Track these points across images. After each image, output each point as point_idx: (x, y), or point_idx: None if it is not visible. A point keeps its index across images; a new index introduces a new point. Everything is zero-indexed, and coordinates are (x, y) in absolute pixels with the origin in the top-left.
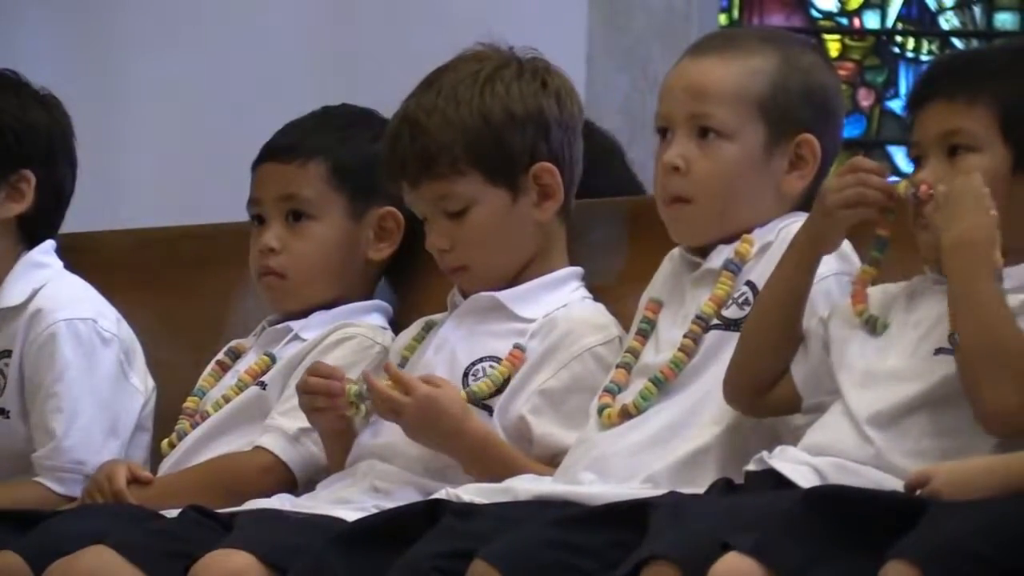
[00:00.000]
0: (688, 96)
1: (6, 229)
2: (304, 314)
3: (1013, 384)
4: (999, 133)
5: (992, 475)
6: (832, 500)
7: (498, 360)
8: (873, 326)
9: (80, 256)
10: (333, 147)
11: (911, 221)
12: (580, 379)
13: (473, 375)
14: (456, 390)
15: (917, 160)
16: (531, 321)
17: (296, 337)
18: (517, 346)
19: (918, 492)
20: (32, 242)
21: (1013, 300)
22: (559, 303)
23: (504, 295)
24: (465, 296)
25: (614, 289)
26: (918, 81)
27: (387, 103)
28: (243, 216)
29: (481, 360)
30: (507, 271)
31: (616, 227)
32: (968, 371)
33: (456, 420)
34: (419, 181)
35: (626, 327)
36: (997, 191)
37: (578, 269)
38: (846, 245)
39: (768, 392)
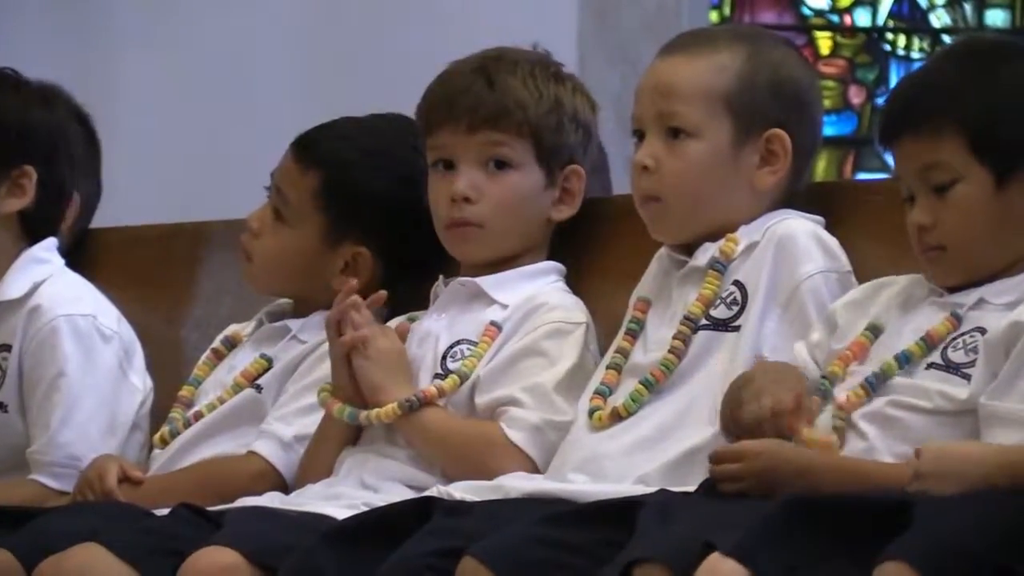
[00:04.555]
0: (656, 95)
1: (7, 225)
2: (302, 312)
3: None
4: (972, 157)
5: (981, 466)
6: (811, 507)
7: (473, 342)
8: (876, 333)
9: (74, 253)
10: (338, 167)
11: (917, 254)
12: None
13: (451, 357)
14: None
15: (910, 197)
16: (507, 306)
17: (294, 338)
18: (493, 323)
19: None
20: (34, 240)
21: (1002, 319)
22: (535, 290)
23: (484, 281)
24: (453, 278)
25: (597, 287)
26: (881, 119)
27: (380, 103)
28: (237, 214)
29: (458, 343)
30: (503, 250)
31: (600, 225)
32: None
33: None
34: (479, 128)
35: (607, 325)
36: (989, 213)
37: (559, 265)
38: (832, 242)
39: None
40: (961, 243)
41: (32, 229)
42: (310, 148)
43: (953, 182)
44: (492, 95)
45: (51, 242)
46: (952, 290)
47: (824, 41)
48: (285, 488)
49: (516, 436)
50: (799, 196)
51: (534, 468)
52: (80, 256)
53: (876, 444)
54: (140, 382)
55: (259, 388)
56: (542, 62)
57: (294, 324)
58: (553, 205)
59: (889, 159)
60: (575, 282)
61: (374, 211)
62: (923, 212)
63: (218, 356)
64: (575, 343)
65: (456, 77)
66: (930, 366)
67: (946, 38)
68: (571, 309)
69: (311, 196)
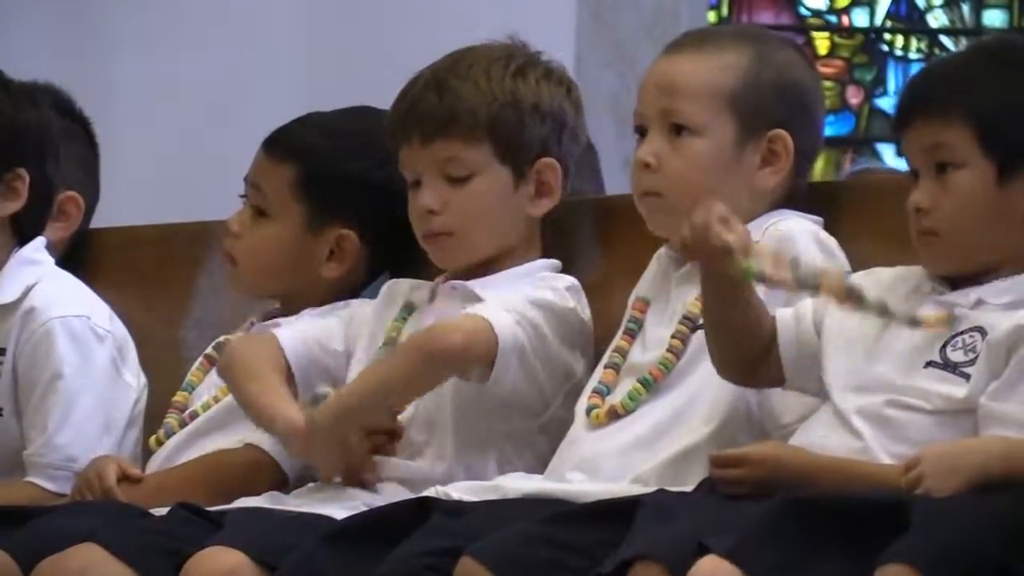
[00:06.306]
0: (660, 93)
1: (0, 228)
2: (290, 311)
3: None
4: (978, 147)
5: (980, 454)
6: (807, 508)
7: None
8: (885, 312)
9: (71, 254)
10: (311, 155)
11: (912, 237)
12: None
13: None
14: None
15: (915, 178)
16: None
17: None
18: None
19: (907, 476)
20: (22, 240)
21: (1003, 319)
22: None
23: (476, 284)
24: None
25: (597, 287)
26: (898, 103)
27: (380, 103)
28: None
29: None
30: (484, 252)
31: (600, 225)
32: None
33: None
34: (432, 139)
35: (609, 324)
36: (985, 205)
37: (553, 261)
38: (831, 242)
39: (758, 367)
40: (954, 231)
41: (21, 230)
42: (281, 141)
43: (956, 166)
44: (440, 105)
45: (40, 242)
46: (951, 285)
47: (822, 41)
48: (284, 478)
49: (471, 310)
50: (799, 197)
51: (491, 333)
52: (79, 257)
53: (871, 444)
54: (134, 379)
55: None
56: (504, 58)
57: (283, 322)
58: (530, 201)
59: (888, 159)
60: None
61: (353, 193)
62: (923, 194)
63: (211, 362)
64: (563, 293)
65: (411, 91)
66: (928, 364)
67: (944, 38)
68: (556, 288)
69: (288, 187)
